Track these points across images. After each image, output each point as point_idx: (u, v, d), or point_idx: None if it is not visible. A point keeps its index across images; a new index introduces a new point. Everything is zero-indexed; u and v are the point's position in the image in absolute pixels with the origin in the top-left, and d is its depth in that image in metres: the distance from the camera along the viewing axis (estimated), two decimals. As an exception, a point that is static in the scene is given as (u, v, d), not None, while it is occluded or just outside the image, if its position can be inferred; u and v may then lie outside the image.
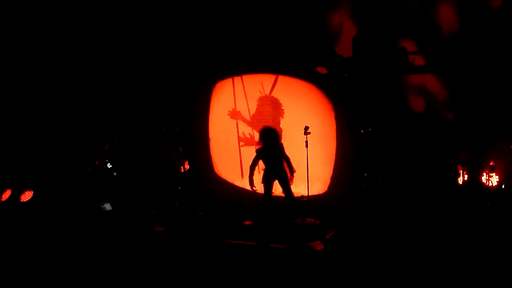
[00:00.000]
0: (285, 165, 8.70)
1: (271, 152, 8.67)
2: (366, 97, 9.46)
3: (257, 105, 10.13)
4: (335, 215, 8.94)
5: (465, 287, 6.60)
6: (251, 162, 8.74)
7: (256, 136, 10.05)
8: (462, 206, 8.46)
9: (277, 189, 9.18)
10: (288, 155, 8.66)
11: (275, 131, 8.80)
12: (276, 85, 9.93)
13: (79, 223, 9.40)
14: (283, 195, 9.28)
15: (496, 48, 9.24)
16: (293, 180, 8.68)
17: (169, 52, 10.86)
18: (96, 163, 10.06)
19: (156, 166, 10.50)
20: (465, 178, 9.21)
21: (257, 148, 8.99)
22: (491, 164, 9.10)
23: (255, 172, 8.72)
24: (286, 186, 8.69)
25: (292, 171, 8.64)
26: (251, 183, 8.64)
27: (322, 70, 9.32)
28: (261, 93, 10.06)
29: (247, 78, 10.12)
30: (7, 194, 9.86)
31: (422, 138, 9.26)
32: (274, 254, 7.84)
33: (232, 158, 10.35)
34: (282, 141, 9.21)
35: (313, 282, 7.07)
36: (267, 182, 8.74)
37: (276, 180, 8.73)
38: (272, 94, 9.99)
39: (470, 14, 9.38)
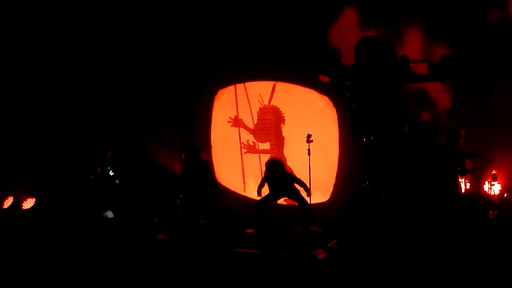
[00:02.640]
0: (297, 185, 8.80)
1: (277, 181, 8.80)
2: (369, 105, 9.46)
3: (258, 114, 10.12)
4: (338, 223, 8.93)
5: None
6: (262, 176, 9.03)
7: (258, 145, 10.08)
8: (464, 215, 8.44)
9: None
10: (300, 178, 8.78)
11: (279, 162, 8.91)
12: (276, 93, 9.91)
13: (81, 230, 9.38)
14: (285, 203, 9.34)
15: (498, 56, 9.28)
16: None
17: (170, 59, 10.88)
18: (98, 170, 10.06)
19: (157, 174, 10.50)
20: (467, 187, 9.20)
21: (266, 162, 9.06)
22: (493, 172, 9.09)
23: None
24: (298, 200, 8.79)
25: (308, 191, 8.71)
26: (259, 192, 8.92)
27: (324, 78, 9.31)
28: (261, 104, 10.06)
29: (250, 85, 10.10)
30: (9, 201, 9.85)
31: (424, 146, 9.26)
32: (276, 262, 7.82)
33: (234, 166, 10.35)
34: (285, 150, 9.25)
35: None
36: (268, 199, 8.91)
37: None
38: (272, 103, 9.98)
39: (471, 22, 9.43)
